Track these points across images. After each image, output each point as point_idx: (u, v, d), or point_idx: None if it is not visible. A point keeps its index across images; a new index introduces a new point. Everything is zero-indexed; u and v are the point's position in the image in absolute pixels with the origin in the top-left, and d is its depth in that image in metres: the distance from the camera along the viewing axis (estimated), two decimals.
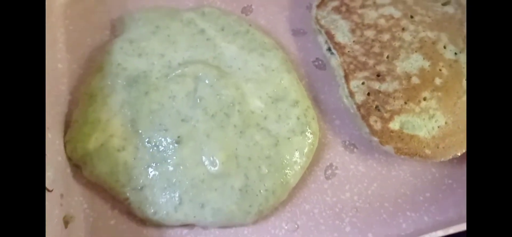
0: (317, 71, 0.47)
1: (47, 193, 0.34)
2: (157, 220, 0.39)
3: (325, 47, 0.45)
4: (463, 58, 0.43)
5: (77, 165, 0.41)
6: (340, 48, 0.44)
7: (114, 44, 0.45)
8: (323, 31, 0.45)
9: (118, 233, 0.40)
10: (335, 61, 0.44)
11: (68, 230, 0.37)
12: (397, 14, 0.45)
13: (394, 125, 0.41)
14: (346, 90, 0.42)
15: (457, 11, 0.46)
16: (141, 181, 0.40)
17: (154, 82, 0.43)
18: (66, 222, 0.37)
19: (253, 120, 0.42)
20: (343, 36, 0.44)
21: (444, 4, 0.46)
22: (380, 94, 0.42)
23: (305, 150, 0.42)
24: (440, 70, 0.42)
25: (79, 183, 0.41)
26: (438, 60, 0.43)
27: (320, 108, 0.45)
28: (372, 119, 0.41)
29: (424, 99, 0.41)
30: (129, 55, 0.44)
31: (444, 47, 0.43)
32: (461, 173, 0.43)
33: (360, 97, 0.42)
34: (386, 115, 0.41)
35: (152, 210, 0.39)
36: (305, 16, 0.49)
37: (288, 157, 0.41)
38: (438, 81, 0.42)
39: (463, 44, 0.44)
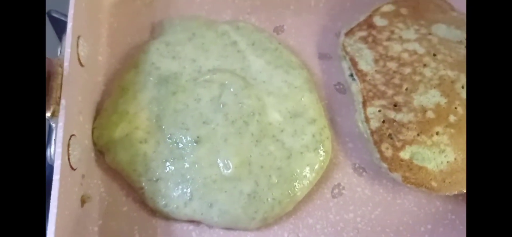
0: (337, 95, 0.48)
1: (70, 171, 0.36)
2: (167, 212, 0.41)
3: (347, 72, 0.46)
4: None
5: (101, 151, 0.42)
6: (362, 75, 0.45)
7: (151, 44, 0.47)
8: (347, 58, 0.46)
9: (129, 220, 0.41)
10: (355, 86, 0.45)
11: (83, 209, 0.39)
12: (421, 50, 0.45)
13: (405, 154, 0.41)
14: (363, 115, 0.43)
15: None
16: (157, 173, 0.41)
17: (183, 84, 0.45)
18: (83, 201, 0.39)
19: (270, 131, 0.43)
20: (366, 64, 0.45)
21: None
22: (395, 123, 0.42)
23: (316, 167, 0.43)
24: (455, 108, 0.43)
25: (100, 167, 0.43)
26: (455, 98, 0.43)
27: (336, 129, 0.46)
28: (384, 146, 0.42)
29: (437, 133, 0.42)
30: (164, 57, 0.46)
31: (462, 87, 0.44)
32: (464, 210, 0.43)
33: (375, 124, 0.43)
34: (398, 144, 0.41)
35: (164, 202, 0.41)
36: (333, 42, 0.50)
37: (298, 170, 0.42)
38: (452, 118, 0.42)
39: None
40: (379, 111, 0.43)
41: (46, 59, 0.36)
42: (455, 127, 0.42)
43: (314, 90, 0.46)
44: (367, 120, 0.43)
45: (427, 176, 0.41)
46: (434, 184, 0.41)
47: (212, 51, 0.47)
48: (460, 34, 0.47)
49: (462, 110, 0.43)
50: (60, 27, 0.52)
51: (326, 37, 0.51)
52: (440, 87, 0.43)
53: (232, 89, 0.44)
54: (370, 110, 0.43)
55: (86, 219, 0.40)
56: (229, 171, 0.41)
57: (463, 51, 0.46)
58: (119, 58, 0.48)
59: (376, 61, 0.45)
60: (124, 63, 0.47)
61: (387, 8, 0.49)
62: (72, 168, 0.36)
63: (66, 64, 0.37)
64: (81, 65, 0.40)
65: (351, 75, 0.46)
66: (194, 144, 0.42)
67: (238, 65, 0.46)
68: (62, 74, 0.37)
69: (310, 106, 0.45)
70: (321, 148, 0.43)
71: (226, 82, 0.45)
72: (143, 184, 0.41)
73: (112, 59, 0.48)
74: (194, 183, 0.41)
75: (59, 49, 0.40)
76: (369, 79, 0.45)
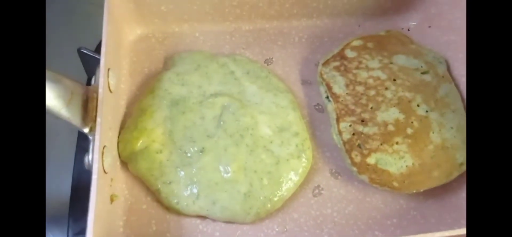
0: (317, 113, 0.53)
1: (103, 174, 0.40)
2: (179, 209, 0.45)
3: (324, 95, 0.52)
4: (432, 115, 0.49)
5: (124, 161, 0.47)
6: (335, 97, 0.50)
7: (165, 74, 0.51)
8: (324, 83, 0.51)
9: (147, 216, 0.46)
10: (330, 106, 0.50)
11: (112, 206, 0.44)
12: (383, 76, 0.51)
13: (371, 160, 0.47)
14: (336, 129, 0.48)
15: (433, 80, 0.52)
16: (171, 177, 0.45)
17: (190, 106, 0.49)
18: (111, 200, 0.44)
19: (262, 142, 0.48)
20: (339, 88, 0.51)
21: (423, 73, 0.52)
22: (362, 135, 0.48)
23: (299, 171, 0.47)
24: (412, 122, 0.49)
25: (124, 174, 0.47)
26: (411, 114, 0.49)
27: (315, 141, 0.51)
28: (354, 154, 0.47)
29: (397, 143, 0.47)
30: (175, 84, 0.51)
31: (418, 105, 0.50)
32: (425, 206, 0.48)
33: (346, 136, 0.48)
34: (365, 152, 0.47)
35: (176, 201, 0.45)
36: (313, 71, 0.55)
37: (285, 174, 0.46)
38: (409, 130, 0.48)
39: (434, 105, 0.50)
40: (350, 125, 0.48)
41: (86, 87, 0.43)
42: (412, 138, 0.48)
43: (298, 109, 0.51)
44: (340, 133, 0.48)
45: (390, 177, 0.46)
46: (396, 184, 0.46)
47: (214, 78, 0.51)
48: (417, 63, 0.53)
49: (417, 124, 0.48)
50: (86, 60, 0.58)
51: (307, 67, 0.55)
52: (398, 106, 0.49)
53: (230, 109, 0.49)
54: (342, 125, 0.49)
55: (114, 214, 0.44)
56: (229, 175, 0.46)
57: (419, 76, 0.52)
58: (138, 85, 0.52)
59: (347, 85, 0.51)
60: (142, 89, 0.52)
61: (356, 42, 0.54)
62: (104, 171, 0.41)
63: (100, 91, 0.42)
64: (110, 91, 0.45)
65: (327, 97, 0.51)
66: (200, 153, 0.47)
67: (236, 90, 0.51)
68: (97, 99, 0.42)
69: (294, 122, 0.49)
70: (304, 156, 0.47)
71: (226, 103, 0.49)
72: (159, 186, 0.45)
73: (132, 86, 0.52)
74: (200, 185, 0.45)
75: (93, 79, 0.45)
76: (342, 100, 0.50)
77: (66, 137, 0.58)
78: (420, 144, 0.48)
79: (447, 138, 0.49)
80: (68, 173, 0.55)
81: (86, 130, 0.42)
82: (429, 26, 0.58)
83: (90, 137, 0.42)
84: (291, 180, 0.47)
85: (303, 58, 0.57)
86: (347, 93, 0.51)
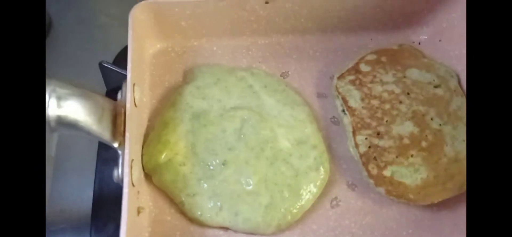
0: (333, 126, 0.54)
1: (132, 187, 0.41)
2: (202, 221, 0.46)
3: (340, 108, 0.52)
4: (445, 128, 0.50)
5: (148, 173, 0.48)
6: (351, 110, 0.51)
7: (185, 88, 0.52)
8: (340, 97, 0.52)
9: (172, 227, 0.47)
10: (347, 120, 0.51)
11: (138, 218, 0.45)
12: (397, 90, 0.52)
13: (387, 172, 0.48)
14: (353, 142, 0.49)
15: (445, 93, 0.53)
16: (194, 189, 0.46)
17: (212, 119, 0.50)
18: (138, 212, 0.45)
19: (281, 155, 0.49)
20: (355, 102, 0.52)
21: (435, 87, 0.54)
22: (378, 148, 0.49)
23: (318, 183, 0.48)
24: (426, 135, 0.50)
25: (148, 186, 0.48)
26: (425, 128, 0.50)
27: (332, 154, 0.51)
28: (370, 166, 0.48)
29: (412, 156, 0.48)
30: (196, 98, 0.51)
31: (431, 119, 0.51)
32: (439, 217, 0.49)
33: (363, 149, 0.49)
34: (381, 164, 0.48)
35: (199, 213, 0.46)
36: (328, 84, 0.56)
37: (304, 187, 0.47)
38: (424, 143, 0.49)
39: (447, 118, 0.51)
40: (366, 138, 0.49)
41: (115, 102, 0.44)
42: (426, 151, 0.49)
43: (315, 122, 0.51)
44: (356, 145, 0.49)
45: (406, 190, 0.47)
46: (411, 196, 0.47)
47: (234, 92, 0.52)
48: (429, 77, 0.54)
49: (431, 137, 0.50)
50: (106, 73, 0.59)
51: (322, 80, 0.56)
52: (413, 119, 0.51)
53: (250, 123, 0.50)
54: (358, 138, 0.49)
55: (140, 226, 0.45)
56: (250, 187, 0.47)
57: (432, 90, 0.53)
58: (159, 98, 0.53)
59: (362, 99, 0.52)
60: (163, 102, 0.53)
61: (370, 57, 0.55)
62: (133, 185, 0.42)
63: (128, 105, 0.43)
64: (136, 105, 0.46)
65: (343, 111, 0.52)
66: (222, 166, 0.47)
67: (254, 103, 0.52)
68: (124, 114, 0.43)
69: (311, 135, 0.50)
70: (322, 168, 0.48)
71: (245, 117, 0.50)
72: (183, 198, 0.46)
73: (153, 100, 0.53)
74: (223, 197, 0.46)
75: (119, 94, 0.46)
76: (357, 114, 0.51)
77: (87, 148, 0.59)
78: (434, 156, 0.49)
79: (460, 150, 0.50)
80: (90, 183, 0.55)
81: (115, 145, 0.43)
82: (440, 40, 0.59)
83: (119, 152, 0.43)
84: (310, 192, 0.48)
85: (318, 71, 0.58)
86: (362, 107, 0.51)
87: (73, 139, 0.61)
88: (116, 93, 0.52)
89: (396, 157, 0.48)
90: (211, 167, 0.48)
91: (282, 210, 0.46)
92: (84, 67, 0.65)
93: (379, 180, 0.48)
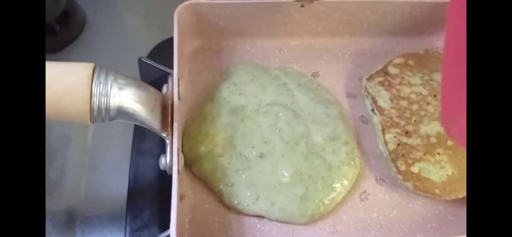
0: (362, 125, 0.56)
1: (177, 175, 0.43)
2: (239, 209, 0.48)
3: (369, 107, 0.55)
4: None
5: (188, 164, 0.50)
6: (381, 110, 0.53)
7: (223, 84, 0.54)
8: (369, 97, 0.54)
9: (210, 214, 0.49)
10: (376, 118, 0.53)
11: (181, 203, 0.47)
12: (425, 92, 0.55)
13: (415, 169, 0.50)
14: (382, 139, 0.52)
15: None
16: (232, 179, 0.48)
17: (248, 114, 0.52)
18: (180, 198, 0.47)
19: (315, 150, 0.51)
20: (384, 102, 0.54)
21: None
22: (407, 146, 0.51)
23: (349, 177, 0.50)
24: None
25: (188, 175, 0.51)
26: None
27: (362, 150, 0.54)
28: (399, 163, 0.50)
29: (438, 154, 0.51)
30: (233, 93, 0.54)
31: None
32: (461, 212, 0.51)
33: (392, 146, 0.51)
34: (410, 161, 0.50)
35: (237, 201, 0.48)
36: (357, 84, 0.58)
37: (337, 180, 0.49)
38: (449, 142, 0.51)
39: None
40: (395, 136, 0.52)
41: (163, 95, 0.47)
42: (452, 150, 0.51)
43: (346, 120, 0.54)
44: (386, 143, 0.52)
45: (432, 185, 0.49)
46: (437, 191, 0.49)
47: (269, 89, 0.54)
48: None
49: None
50: (144, 68, 0.61)
51: (351, 81, 0.59)
52: (440, 120, 0.53)
53: (285, 118, 0.52)
54: (388, 136, 0.52)
55: (182, 212, 0.47)
56: (286, 179, 0.48)
57: None
58: (197, 93, 0.56)
59: (391, 100, 0.54)
60: (201, 97, 0.55)
61: (398, 60, 0.58)
62: (179, 172, 0.44)
63: (175, 98, 0.46)
64: (179, 99, 0.48)
65: (373, 110, 0.54)
66: (259, 158, 0.49)
67: (289, 101, 0.54)
68: (171, 106, 0.46)
69: (343, 132, 0.52)
70: (353, 163, 0.50)
71: (280, 114, 0.52)
72: (221, 187, 0.48)
73: (192, 94, 0.56)
74: (260, 187, 0.48)
75: (164, 87, 0.48)
76: (387, 113, 0.53)
77: (122, 139, 0.61)
78: (459, 155, 0.51)
79: None
80: (125, 173, 0.58)
81: (163, 134, 0.45)
82: None
83: (167, 141, 0.45)
84: (342, 185, 0.49)
85: (347, 72, 0.60)
86: (391, 107, 0.53)
87: (108, 130, 0.63)
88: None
89: (424, 154, 0.50)
90: (248, 159, 0.50)
91: (316, 201, 0.48)
92: (117, 62, 0.66)
93: (407, 175, 0.50)
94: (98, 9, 0.74)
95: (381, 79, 0.56)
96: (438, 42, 0.63)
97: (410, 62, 0.58)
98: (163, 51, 0.66)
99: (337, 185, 0.50)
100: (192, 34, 0.58)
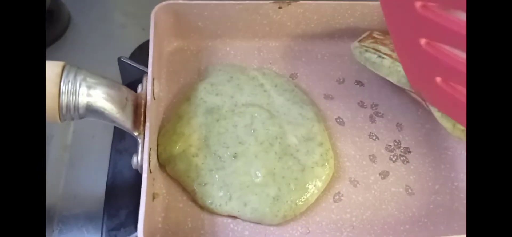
0: (338, 126, 0.56)
1: (149, 174, 0.43)
2: (212, 209, 0.47)
3: (374, 57, 0.52)
4: None
5: (162, 163, 0.50)
6: (388, 55, 0.52)
7: (200, 84, 0.55)
8: (370, 48, 0.53)
9: (183, 213, 0.48)
10: (387, 61, 0.52)
11: (153, 203, 0.47)
12: None
13: None
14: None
15: None
16: (206, 179, 0.48)
17: (224, 114, 0.52)
18: (153, 197, 0.47)
19: (289, 151, 0.51)
20: (386, 51, 0.52)
21: None
22: None
23: (323, 178, 0.50)
24: None
25: (162, 174, 0.50)
26: None
27: (337, 152, 0.54)
28: None
29: None
30: (209, 93, 0.54)
31: None
32: (435, 215, 0.51)
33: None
34: None
35: (210, 201, 0.48)
36: (335, 86, 0.58)
37: (310, 181, 0.49)
38: None
39: None
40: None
41: (136, 94, 0.47)
42: None
43: (322, 121, 0.53)
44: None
45: None
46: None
47: (245, 90, 0.55)
48: None
49: None
50: (124, 68, 0.61)
51: (329, 82, 0.58)
52: None
53: (260, 119, 0.52)
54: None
55: (154, 211, 0.47)
56: (259, 179, 0.48)
57: None
58: (174, 93, 0.56)
59: (392, 50, 0.52)
60: (178, 97, 0.56)
61: (376, 34, 0.57)
62: (150, 171, 0.44)
63: (148, 98, 0.45)
64: (154, 98, 0.48)
65: (379, 56, 0.52)
66: (233, 158, 0.49)
67: (265, 101, 0.54)
68: (144, 105, 0.46)
69: (318, 133, 0.52)
70: (327, 164, 0.50)
71: (256, 114, 0.53)
72: (195, 187, 0.48)
73: (169, 94, 0.56)
74: (233, 187, 0.48)
75: (139, 87, 0.48)
76: (395, 56, 0.51)
77: (101, 138, 0.61)
78: None
79: None
80: (103, 172, 0.58)
81: (135, 133, 0.45)
82: None
83: (139, 140, 0.46)
84: (315, 186, 0.49)
85: (325, 74, 0.60)
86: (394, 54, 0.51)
87: (88, 129, 0.63)
88: (132, 86, 0.54)
89: None
90: (222, 159, 0.50)
91: (289, 202, 0.48)
92: (101, 61, 0.67)
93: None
94: (83, 8, 0.74)
95: (371, 40, 0.55)
96: None
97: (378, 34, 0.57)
98: (145, 52, 0.65)
99: (310, 186, 0.50)
100: (171, 35, 0.59)
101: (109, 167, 0.58)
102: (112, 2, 0.77)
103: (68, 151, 0.60)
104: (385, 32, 0.59)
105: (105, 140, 0.60)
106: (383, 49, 0.54)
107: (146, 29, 0.66)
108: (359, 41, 0.56)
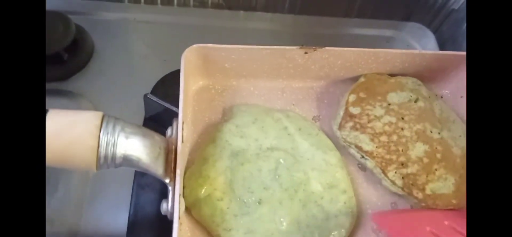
0: (360, 172, 0.56)
1: (177, 223, 0.42)
2: None
3: (358, 156, 0.54)
4: (444, 134, 0.55)
5: (187, 207, 0.50)
6: (370, 154, 0.53)
7: (225, 126, 0.53)
8: (353, 145, 0.54)
9: None
10: (370, 163, 0.53)
11: None
12: (393, 120, 0.55)
13: (428, 191, 0.52)
14: (389, 180, 0.52)
15: (425, 103, 0.57)
16: (230, 225, 0.47)
17: (249, 157, 0.51)
18: None
19: (313, 198, 0.50)
20: (367, 145, 0.53)
21: (415, 102, 0.57)
22: (410, 175, 0.52)
23: (347, 226, 0.50)
24: (436, 148, 0.53)
25: (187, 218, 0.51)
26: (432, 142, 0.54)
27: (359, 198, 0.54)
28: (415, 192, 0.51)
29: (436, 170, 0.52)
30: (234, 135, 0.54)
31: (431, 132, 0.54)
32: None
33: (399, 182, 0.52)
34: (421, 187, 0.51)
35: None
36: None
37: (334, 230, 0.49)
38: (438, 155, 0.53)
39: (440, 125, 0.55)
40: (395, 172, 0.52)
41: (167, 140, 0.47)
42: (443, 160, 0.53)
43: (345, 167, 0.53)
44: (393, 182, 0.52)
45: (448, 198, 0.52)
46: (454, 201, 0.52)
47: (270, 133, 0.54)
48: (406, 95, 0.57)
49: (440, 147, 0.53)
50: (149, 103, 0.61)
51: None
52: (419, 139, 0.53)
53: (285, 164, 0.52)
54: (390, 174, 0.52)
55: None
56: (283, 227, 0.48)
57: (415, 105, 0.56)
58: (199, 133, 0.56)
59: (372, 140, 0.53)
60: (203, 137, 0.55)
61: (352, 98, 0.57)
62: (179, 217, 0.43)
63: (179, 143, 0.45)
64: (182, 141, 0.48)
65: (362, 157, 0.53)
66: (257, 204, 0.49)
67: (289, 145, 0.53)
68: (175, 151, 0.45)
69: (342, 180, 0.52)
70: (350, 213, 0.50)
71: (280, 159, 0.52)
72: (219, 232, 0.47)
73: (194, 134, 0.55)
74: (258, 234, 0.47)
75: (169, 130, 0.48)
76: (376, 155, 0.53)
77: (124, 172, 0.61)
78: (450, 162, 0.53)
79: (463, 145, 0.55)
80: (125, 207, 0.58)
81: (167, 180, 0.45)
82: (461, 96, 0.62)
83: (169, 187, 0.45)
84: (339, 234, 0.49)
85: None
86: (377, 147, 0.53)
87: None
88: (154, 120, 0.55)
89: (427, 176, 0.52)
90: (247, 204, 0.49)
91: None
92: (124, 91, 0.68)
93: (427, 199, 0.52)
94: (106, 38, 0.75)
95: (351, 124, 0.55)
96: (436, 89, 0.64)
97: (361, 95, 0.57)
98: (167, 85, 0.67)
99: (334, 234, 0.50)
100: (197, 74, 0.59)
101: (131, 202, 0.58)
102: (134, 33, 0.77)
103: (90, 184, 0.60)
104: (356, 91, 0.58)
105: (128, 174, 0.60)
106: (364, 139, 0.54)
107: (168, 60, 0.69)
108: (340, 129, 0.55)
